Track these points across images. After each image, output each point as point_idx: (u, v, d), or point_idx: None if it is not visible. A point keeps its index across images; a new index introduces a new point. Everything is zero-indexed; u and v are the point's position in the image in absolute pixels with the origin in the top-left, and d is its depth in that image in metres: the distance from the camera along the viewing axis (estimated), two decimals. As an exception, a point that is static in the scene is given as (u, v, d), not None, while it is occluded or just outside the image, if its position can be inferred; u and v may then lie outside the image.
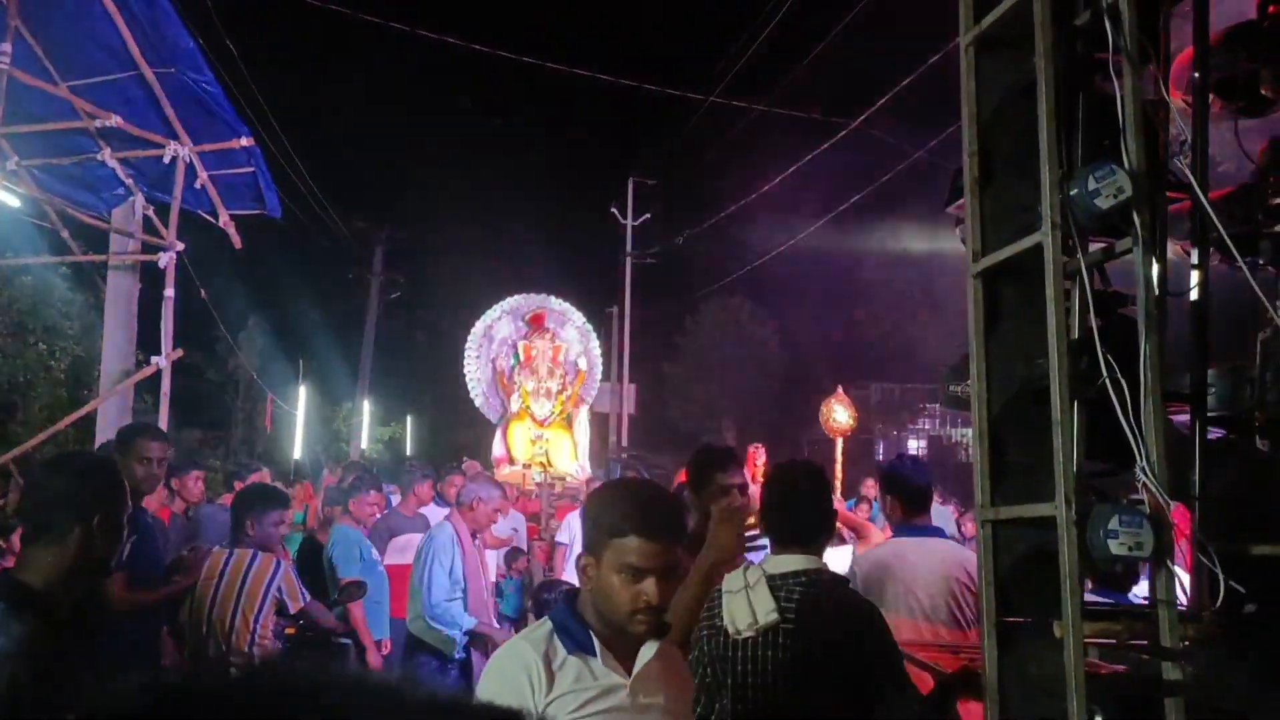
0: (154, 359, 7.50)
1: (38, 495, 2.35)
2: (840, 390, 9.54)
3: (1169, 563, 2.22)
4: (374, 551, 6.50)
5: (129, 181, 7.87)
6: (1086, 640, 2.31)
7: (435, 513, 7.15)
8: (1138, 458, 2.22)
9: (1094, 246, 2.59)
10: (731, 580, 2.82)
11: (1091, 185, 2.35)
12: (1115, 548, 2.15)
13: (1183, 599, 2.44)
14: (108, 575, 3.01)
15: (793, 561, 2.79)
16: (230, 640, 4.43)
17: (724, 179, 21.38)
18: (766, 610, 2.69)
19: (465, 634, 5.26)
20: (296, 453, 19.18)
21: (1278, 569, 2.47)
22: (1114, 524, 2.16)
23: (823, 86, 19.27)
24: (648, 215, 24.34)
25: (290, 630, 5.19)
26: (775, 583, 2.74)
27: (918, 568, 3.78)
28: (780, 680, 2.69)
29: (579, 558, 2.13)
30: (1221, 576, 2.28)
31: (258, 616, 4.48)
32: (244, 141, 7.41)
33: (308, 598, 4.80)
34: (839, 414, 9.24)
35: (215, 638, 4.43)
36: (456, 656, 5.26)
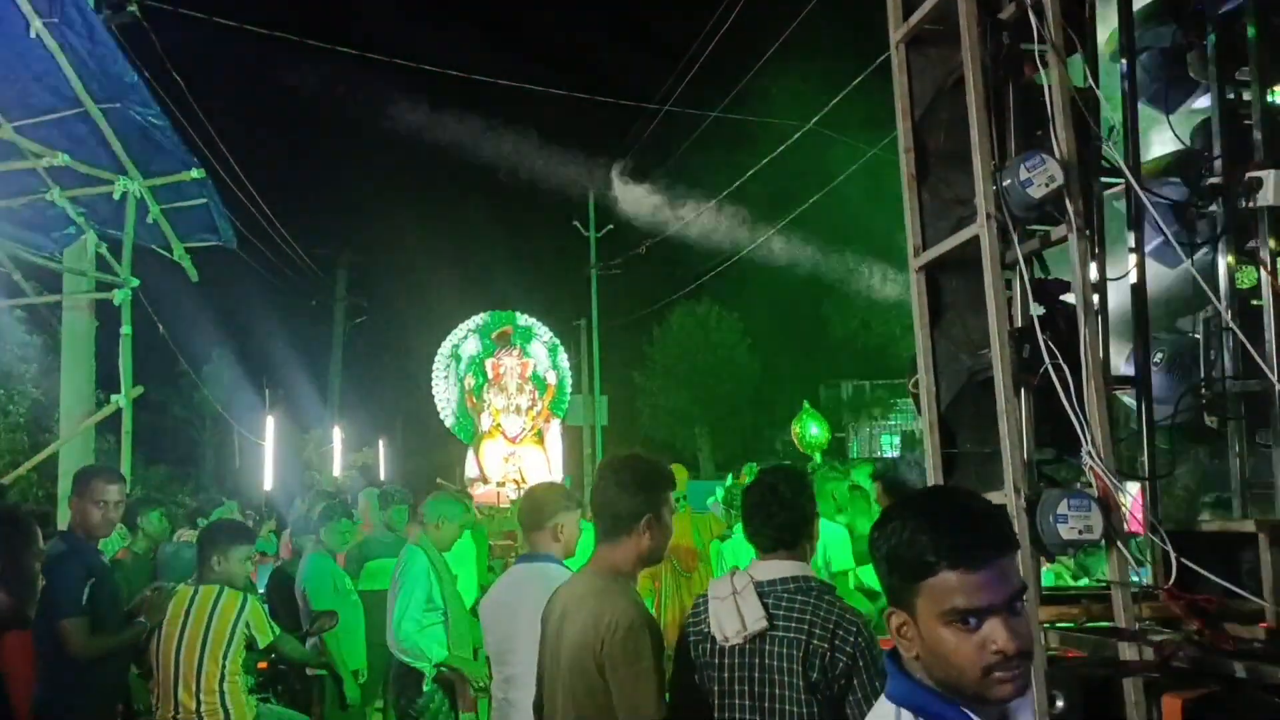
0: (114, 398, 7.40)
1: None
2: (806, 405, 8.72)
3: (1119, 544, 2.24)
4: (348, 580, 6.43)
5: (80, 220, 7.76)
6: (1046, 625, 2.33)
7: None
8: (1083, 442, 2.24)
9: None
10: (718, 587, 2.79)
11: (1024, 175, 2.37)
12: (1065, 532, 2.17)
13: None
14: (25, 626, 2.93)
15: (779, 568, 2.76)
16: (199, 678, 4.36)
17: (680, 187, 21.49)
18: (755, 618, 2.66)
19: (436, 666, 5.18)
20: (267, 484, 18.95)
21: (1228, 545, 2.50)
22: (1063, 509, 2.18)
23: (778, 89, 19.44)
24: (610, 226, 24.41)
25: (262, 665, 5.12)
26: (763, 589, 2.72)
27: None
28: (766, 687, 2.67)
29: (888, 615, 1.60)
30: (1174, 555, 2.31)
31: (226, 653, 4.41)
32: (194, 174, 7.33)
33: (277, 632, 4.74)
34: (812, 428, 8.49)
35: (184, 677, 4.36)
36: (425, 690, 5.18)
